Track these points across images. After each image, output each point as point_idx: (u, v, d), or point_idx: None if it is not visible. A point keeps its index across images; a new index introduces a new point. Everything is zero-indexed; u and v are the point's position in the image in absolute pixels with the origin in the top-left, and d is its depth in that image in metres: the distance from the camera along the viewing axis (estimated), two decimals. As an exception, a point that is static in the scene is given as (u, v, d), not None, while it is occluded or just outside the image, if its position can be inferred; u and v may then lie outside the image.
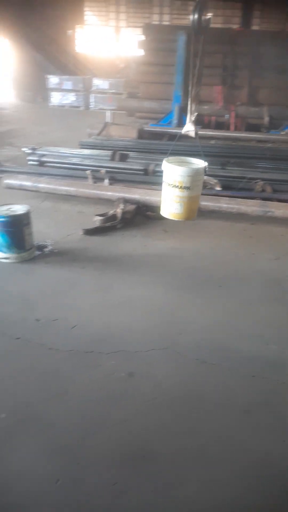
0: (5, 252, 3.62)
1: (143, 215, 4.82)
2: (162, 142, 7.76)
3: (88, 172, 5.62)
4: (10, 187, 5.30)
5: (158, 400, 2.23)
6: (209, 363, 2.49)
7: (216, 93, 8.58)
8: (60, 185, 5.18)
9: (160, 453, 1.94)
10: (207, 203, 4.64)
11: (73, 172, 5.88)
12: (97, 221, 4.54)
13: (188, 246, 4.10)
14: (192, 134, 3.38)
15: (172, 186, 3.36)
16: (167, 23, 16.82)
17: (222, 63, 8.46)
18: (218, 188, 4.93)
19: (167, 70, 9.01)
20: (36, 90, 15.81)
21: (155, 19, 17.58)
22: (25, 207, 3.71)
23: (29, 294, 3.19)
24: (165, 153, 7.59)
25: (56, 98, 14.63)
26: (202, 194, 4.80)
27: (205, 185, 4.95)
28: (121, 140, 7.75)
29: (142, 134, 8.32)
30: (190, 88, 3.45)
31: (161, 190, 5.09)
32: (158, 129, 8.72)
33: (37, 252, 3.81)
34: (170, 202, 3.39)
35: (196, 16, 3.03)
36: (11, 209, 3.65)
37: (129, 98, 12.06)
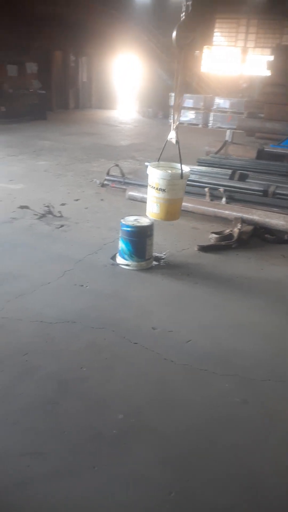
0: (126, 260, 3.84)
1: (261, 238, 4.70)
2: (283, 164, 7.50)
3: (206, 189, 5.70)
4: (132, 199, 5.63)
5: (271, 434, 2.13)
6: None
7: None
8: (179, 200, 5.32)
9: (272, 491, 1.85)
10: None
11: (191, 189, 6.01)
12: (212, 238, 4.56)
13: (309, 276, 3.87)
14: (173, 141, 3.61)
15: (151, 187, 3.64)
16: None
17: None
18: None
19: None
20: (157, 107, 16.59)
21: (285, 40, 17.16)
22: (149, 219, 3.90)
23: (146, 302, 3.33)
24: (285, 175, 7.27)
25: (176, 115, 15.16)
26: None
27: None
28: (239, 159, 7.69)
29: (261, 155, 8.15)
30: (174, 98, 3.77)
31: (283, 213, 4.98)
32: (279, 150, 8.47)
33: (154, 263, 3.97)
34: (149, 202, 3.70)
35: (175, 33, 3.37)
36: (137, 220, 3.87)
37: (249, 118, 11.91)
